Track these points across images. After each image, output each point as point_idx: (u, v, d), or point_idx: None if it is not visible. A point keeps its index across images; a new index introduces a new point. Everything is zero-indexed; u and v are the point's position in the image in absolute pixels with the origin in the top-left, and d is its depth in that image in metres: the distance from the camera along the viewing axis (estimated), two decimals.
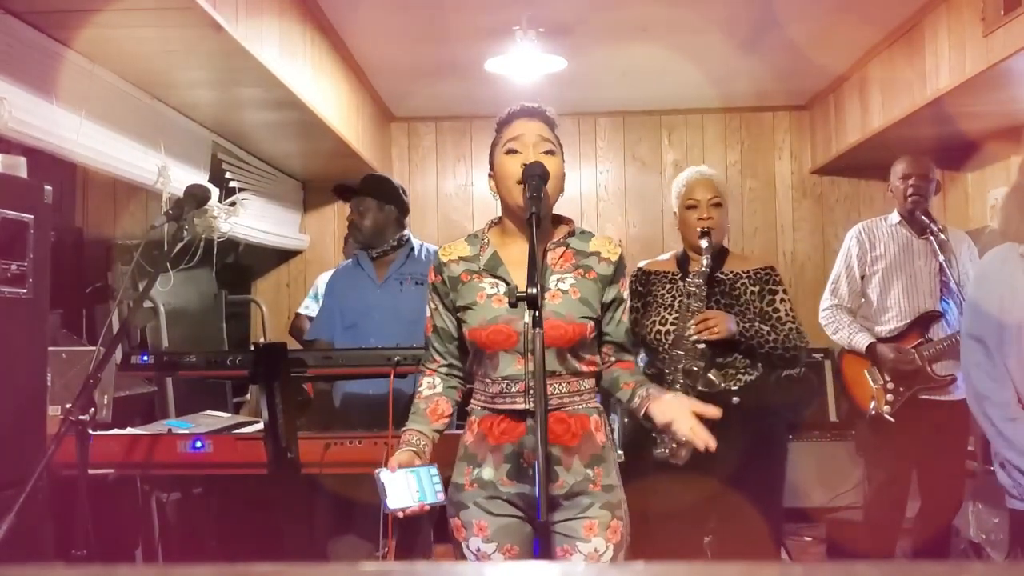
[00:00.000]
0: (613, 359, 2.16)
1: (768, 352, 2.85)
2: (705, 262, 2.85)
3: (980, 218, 5.13)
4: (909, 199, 3.64)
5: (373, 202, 3.50)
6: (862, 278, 3.74)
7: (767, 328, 2.86)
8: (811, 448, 5.13)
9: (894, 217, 3.75)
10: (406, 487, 1.93)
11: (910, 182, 3.65)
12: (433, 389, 2.15)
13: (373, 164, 5.31)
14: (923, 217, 3.64)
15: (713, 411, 1.98)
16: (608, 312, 2.13)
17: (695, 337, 2.76)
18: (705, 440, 1.91)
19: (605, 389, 2.17)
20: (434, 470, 2.00)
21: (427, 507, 1.96)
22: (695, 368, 2.76)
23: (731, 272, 2.95)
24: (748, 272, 2.95)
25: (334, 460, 2.84)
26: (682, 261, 2.99)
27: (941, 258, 3.57)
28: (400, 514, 1.93)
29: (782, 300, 2.94)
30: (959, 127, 4.57)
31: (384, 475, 1.92)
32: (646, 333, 2.88)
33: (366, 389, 3.28)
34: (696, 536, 2.95)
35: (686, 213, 2.95)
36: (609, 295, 2.12)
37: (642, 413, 2.05)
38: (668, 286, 2.94)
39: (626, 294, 2.18)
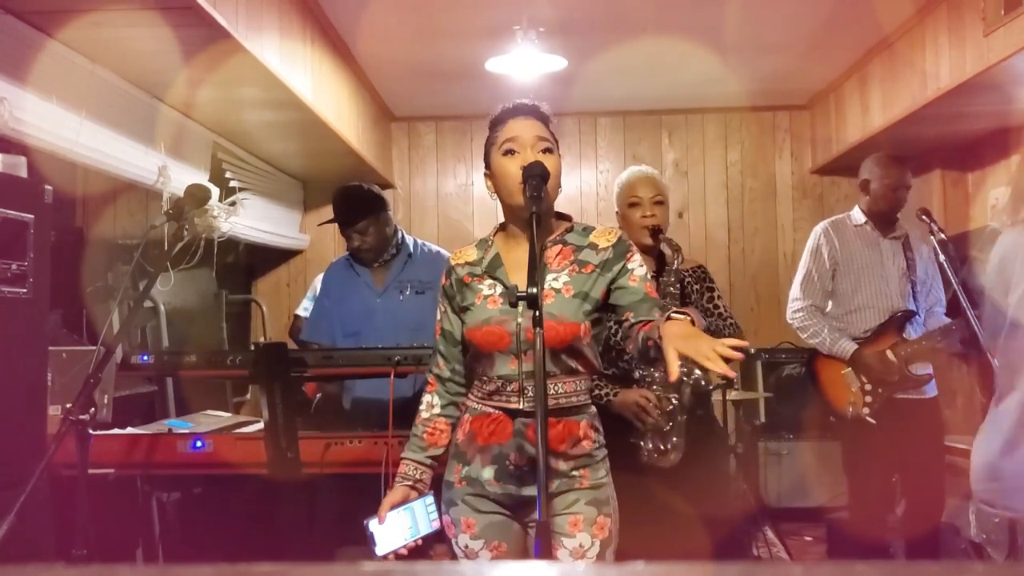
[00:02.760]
0: (632, 321, 2.01)
1: None
2: (678, 261, 2.85)
3: (980, 218, 5.13)
4: (892, 205, 3.62)
5: (372, 220, 3.44)
6: (832, 277, 3.70)
7: (721, 324, 2.91)
8: (811, 448, 5.14)
9: (859, 216, 3.70)
10: (398, 528, 2.01)
11: (897, 192, 3.62)
12: (431, 410, 2.15)
13: (373, 164, 5.31)
14: (924, 217, 3.63)
15: (743, 343, 1.73)
16: (617, 284, 2.05)
17: None
18: (724, 369, 1.66)
19: (638, 355, 1.98)
20: (429, 499, 2.08)
21: (419, 541, 2.04)
22: (685, 367, 2.76)
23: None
24: (688, 271, 2.97)
25: (334, 460, 2.84)
26: None
27: (942, 258, 3.56)
28: (391, 557, 2.00)
29: (719, 296, 3.00)
30: (959, 127, 4.57)
31: (373, 525, 1.99)
32: (609, 336, 2.87)
33: (374, 393, 3.26)
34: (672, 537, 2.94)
35: (629, 211, 2.95)
36: (614, 273, 2.05)
37: (652, 341, 1.85)
38: None
39: (632, 264, 2.06)
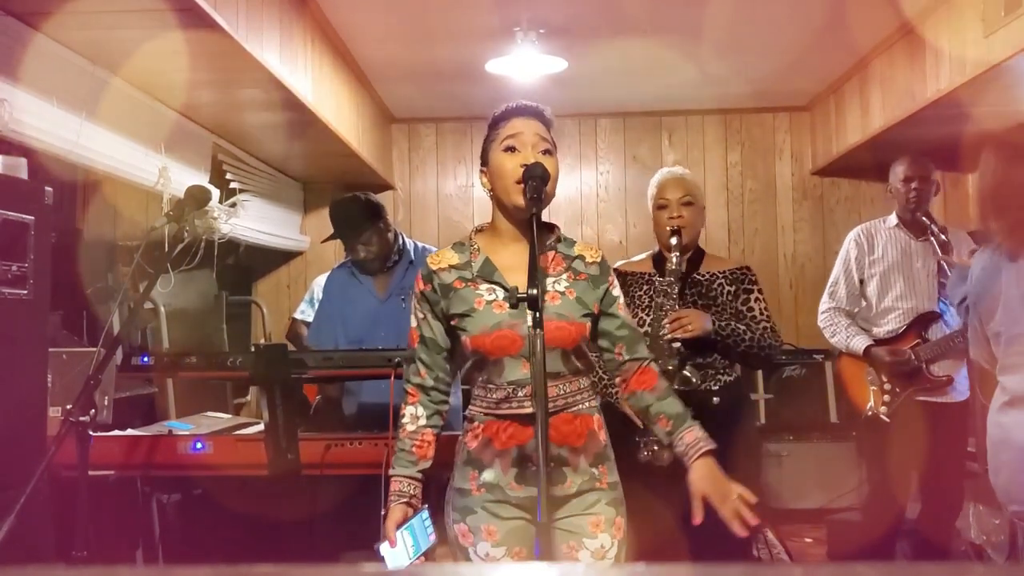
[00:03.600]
0: (626, 357, 2.13)
1: (744, 351, 2.86)
2: (675, 259, 2.85)
3: None
4: (911, 201, 3.64)
5: (373, 230, 3.43)
6: (860, 281, 3.74)
7: (742, 327, 2.87)
8: (811, 449, 5.13)
9: (892, 219, 3.76)
10: (403, 548, 2.03)
11: (912, 184, 3.65)
12: (417, 422, 2.11)
13: (373, 165, 5.31)
14: (924, 218, 3.64)
15: (750, 511, 1.95)
16: (605, 310, 2.13)
17: (669, 336, 2.77)
18: (740, 529, 1.93)
19: (636, 410, 2.17)
20: (425, 514, 2.08)
21: (423, 558, 2.06)
22: (670, 367, 2.76)
23: (708, 273, 2.96)
24: (724, 272, 2.97)
25: (334, 461, 2.84)
26: (658, 261, 2.99)
27: (942, 258, 3.57)
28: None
29: (756, 299, 2.95)
30: (960, 128, 4.57)
31: (384, 549, 2.01)
32: None
33: (381, 398, 3.24)
34: (672, 537, 2.93)
35: (657, 213, 2.97)
36: (600, 293, 2.11)
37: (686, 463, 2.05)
38: (645, 287, 2.94)
39: (616, 291, 2.16)
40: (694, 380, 2.78)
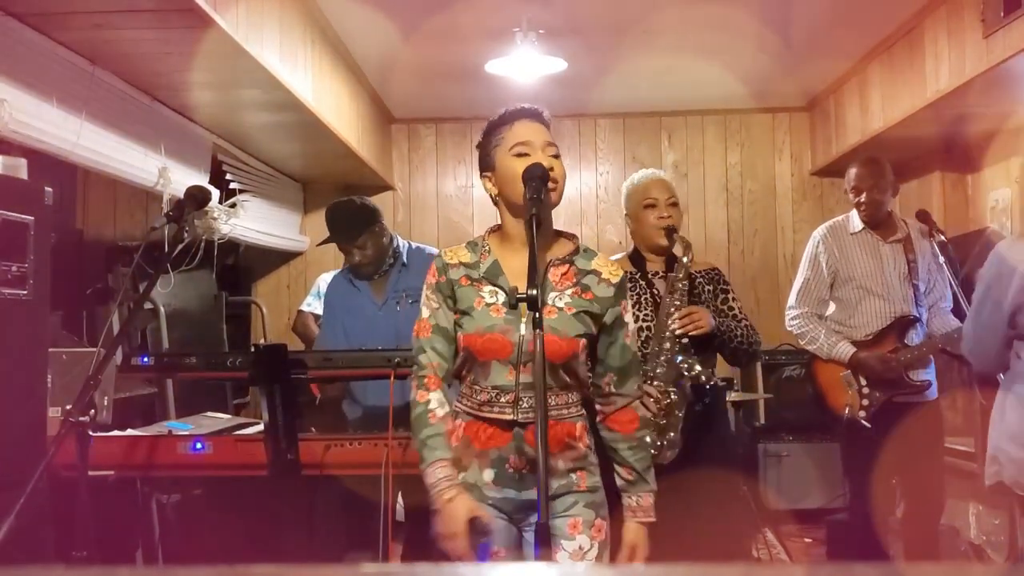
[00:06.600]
0: (612, 390, 2.14)
1: (735, 348, 2.91)
2: (687, 259, 2.88)
3: (980, 219, 5.13)
4: (863, 211, 3.63)
5: (369, 234, 3.41)
6: (831, 284, 3.68)
7: (733, 324, 2.92)
8: (811, 449, 5.14)
9: (857, 222, 3.69)
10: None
11: (861, 198, 3.62)
12: (444, 408, 2.07)
13: (373, 165, 5.31)
14: (923, 220, 3.62)
15: None
16: (608, 335, 2.11)
17: (680, 331, 2.78)
18: None
19: (606, 442, 2.16)
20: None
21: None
22: (685, 363, 2.77)
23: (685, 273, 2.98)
24: (700, 272, 3.01)
25: (334, 461, 2.84)
26: (636, 260, 3.00)
27: (942, 259, 3.55)
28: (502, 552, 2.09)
29: (734, 299, 3.02)
30: (959, 128, 4.57)
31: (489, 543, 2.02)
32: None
33: (385, 402, 3.23)
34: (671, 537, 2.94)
35: (644, 212, 2.98)
36: (609, 317, 2.10)
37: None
38: (629, 284, 2.96)
39: (628, 318, 2.14)
40: (703, 377, 2.79)
